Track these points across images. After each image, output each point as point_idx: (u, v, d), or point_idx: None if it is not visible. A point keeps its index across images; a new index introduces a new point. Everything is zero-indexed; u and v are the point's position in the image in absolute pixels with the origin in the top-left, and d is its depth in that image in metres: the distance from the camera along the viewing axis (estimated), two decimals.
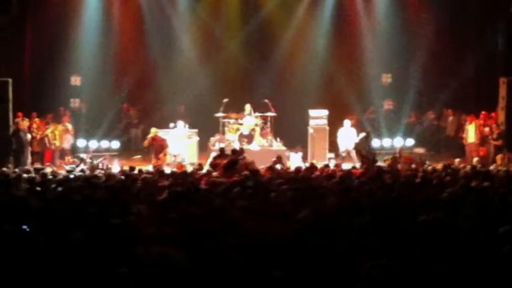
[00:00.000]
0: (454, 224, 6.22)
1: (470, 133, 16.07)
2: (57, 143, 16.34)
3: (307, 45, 18.99)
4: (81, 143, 17.10)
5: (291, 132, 16.79)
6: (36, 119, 16.19)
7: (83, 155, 14.96)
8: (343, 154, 16.00)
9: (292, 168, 12.76)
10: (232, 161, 12.37)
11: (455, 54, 17.97)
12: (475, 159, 14.07)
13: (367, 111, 18.54)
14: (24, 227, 6.09)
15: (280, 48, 18.83)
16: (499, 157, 14.58)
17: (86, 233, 5.75)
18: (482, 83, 17.59)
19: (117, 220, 6.25)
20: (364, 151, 14.40)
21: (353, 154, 15.19)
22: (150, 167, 13.56)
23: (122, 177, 10.82)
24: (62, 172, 12.50)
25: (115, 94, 18.48)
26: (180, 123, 16.27)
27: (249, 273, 4.84)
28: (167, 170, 12.43)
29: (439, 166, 12.41)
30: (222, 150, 13.65)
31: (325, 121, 16.37)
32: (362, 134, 15.11)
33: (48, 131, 16.17)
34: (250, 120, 15.94)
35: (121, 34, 18.59)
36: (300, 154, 15.79)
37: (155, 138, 15.17)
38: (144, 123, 18.35)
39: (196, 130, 16.38)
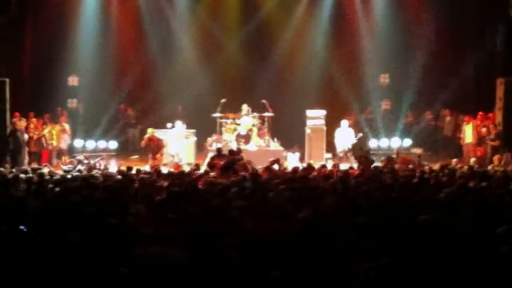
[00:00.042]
0: (451, 225, 6.22)
1: (468, 134, 16.07)
2: (54, 143, 16.30)
3: (305, 45, 18.99)
4: (78, 143, 17.11)
5: (289, 132, 16.78)
6: (33, 119, 16.20)
7: (80, 156, 14.95)
8: (341, 155, 15.97)
9: (290, 168, 12.73)
10: (229, 162, 12.37)
11: (454, 54, 17.96)
12: (473, 160, 14.06)
13: (365, 111, 18.54)
14: (22, 227, 6.08)
15: (279, 48, 18.83)
16: (496, 157, 14.61)
17: (84, 233, 5.74)
18: (481, 83, 17.61)
19: (115, 220, 6.24)
20: (361, 151, 14.40)
21: (350, 154, 15.19)
22: (147, 167, 13.57)
23: (119, 177, 10.82)
24: (60, 172, 12.50)
25: (114, 94, 18.51)
26: (179, 123, 16.28)
27: (247, 273, 4.84)
28: (164, 170, 12.42)
29: (437, 166, 12.43)
30: (219, 150, 13.65)
31: (322, 121, 16.35)
32: (359, 135, 15.11)
33: (45, 131, 16.13)
34: (247, 120, 15.94)
35: (120, 34, 18.61)
36: (297, 154, 15.77)
37: (152, 138, 15.18)
38: (142, 123, 18.34)
39: (194, 130, 16.37)
